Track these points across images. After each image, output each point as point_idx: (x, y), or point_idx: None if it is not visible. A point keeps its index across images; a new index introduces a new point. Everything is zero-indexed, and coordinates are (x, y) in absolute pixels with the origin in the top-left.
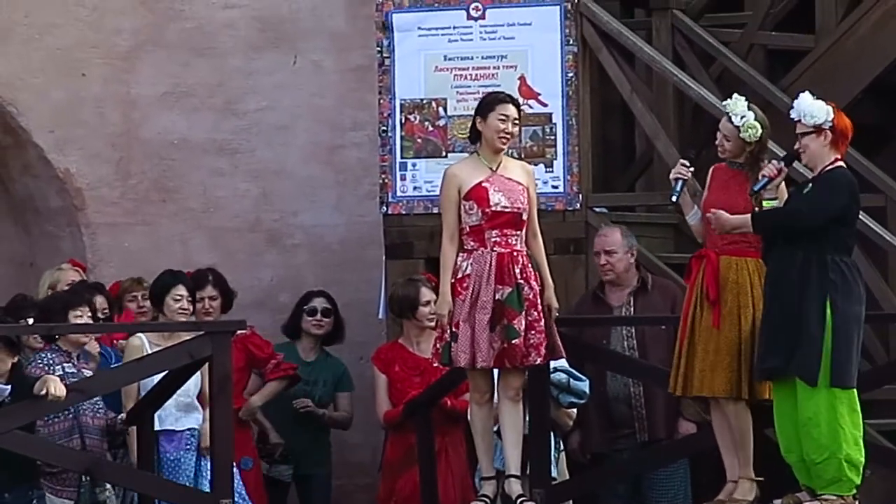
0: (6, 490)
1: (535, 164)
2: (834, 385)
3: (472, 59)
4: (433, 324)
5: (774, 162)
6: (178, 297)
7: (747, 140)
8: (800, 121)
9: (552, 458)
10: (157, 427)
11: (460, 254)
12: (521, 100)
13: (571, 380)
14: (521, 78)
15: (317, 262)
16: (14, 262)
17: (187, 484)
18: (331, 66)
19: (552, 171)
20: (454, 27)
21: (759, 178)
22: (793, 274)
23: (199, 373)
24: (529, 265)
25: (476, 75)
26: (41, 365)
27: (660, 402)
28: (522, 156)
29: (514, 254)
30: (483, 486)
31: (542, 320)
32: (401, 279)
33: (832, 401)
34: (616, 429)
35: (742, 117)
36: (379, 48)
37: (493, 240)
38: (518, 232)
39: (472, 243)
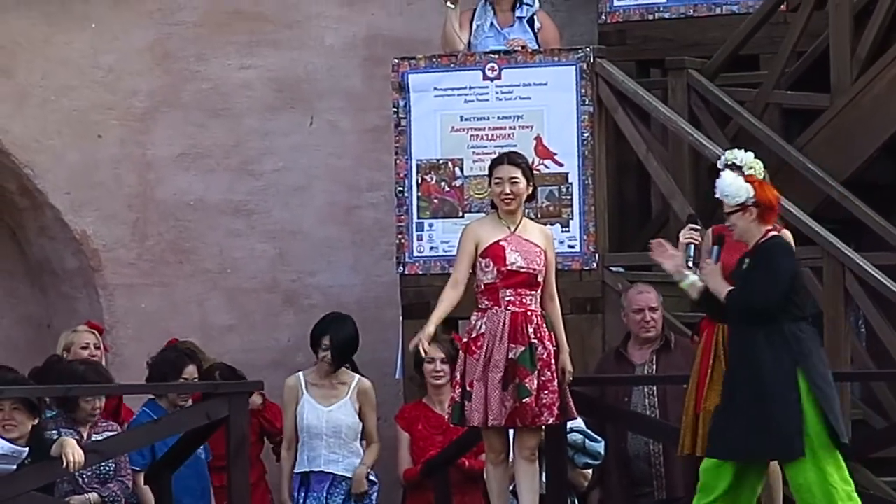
0: None
1: (552, 224)
2: (830, 449)
3: (489, 119)
4: (438, 381)
5: (687, 230)
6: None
7: (755, 176)
8: (724, 200)
9: None
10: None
11: (475, 313)
12: (536, 160)
13: (587, 440)
14: (538, 138)
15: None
16: (31, 323)
17: None
18: (347, 127)
19: (568, 231)
20: (470, 87)
21: (686, 247)
22: (757, 352)
23: (355, 406)
24: (544, 325)
25: (492, 135)
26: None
27: (679, 460)
28: (538, 215)
29: (529, 313)
30: None
31: (556, 380)
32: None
33: (818, 464)
34: (636, 486)
35: (742, 160)
36: (395, 108)
37: (508, 299)
38: (533, 292)
39: (486, 302)
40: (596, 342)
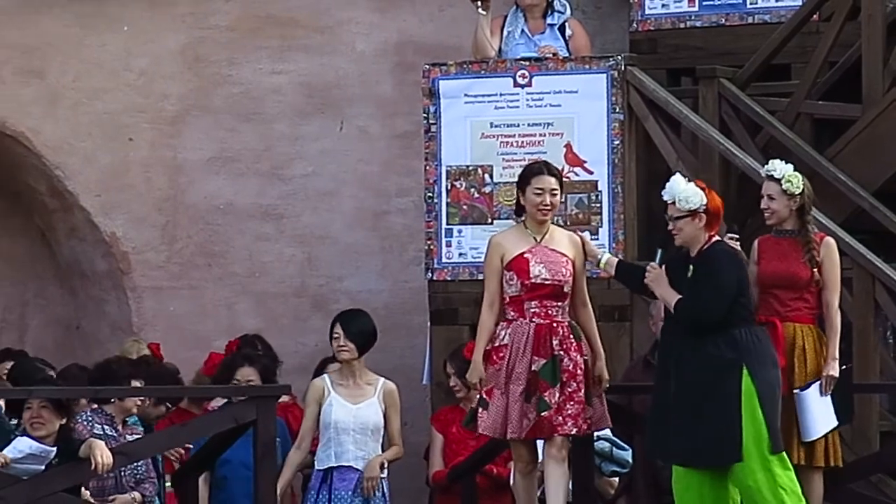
0: None
1: (581, 232)
2: (774, 452)
3: (519, 126)
4: (458, 394)
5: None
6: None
7: (792, 192)
8: (673, 203)
9: None
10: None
11: (500, 323)
12: (566, 167)
13: (614, 448)
14: (568, 145)
15: None
16: (60, 324)
17: None
18: (377, 132)
19: (597, 238)
20: (501, 94)
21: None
22: (704, 355)
23: (380, 406)
24: (571, 336)
25: (522, 142)
26: (82, 422)
27: None
28: (568, 223)
29: (554, 325)
30: None
31: (582, 391)
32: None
33: (766, 465)
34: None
35: (782, 171)
36: (425, 114)
37: (532, 311)
38: (559, 304)
39: (512, 313)
40: (624, 350)
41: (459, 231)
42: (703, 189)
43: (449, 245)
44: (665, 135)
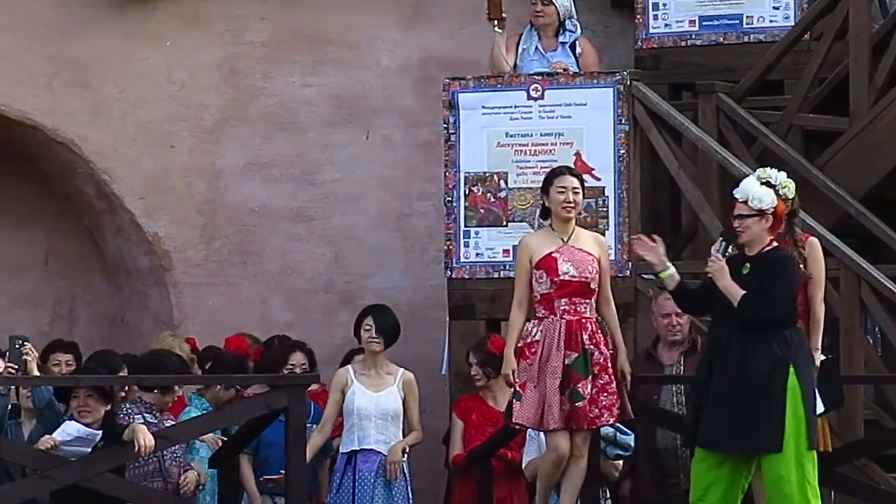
0: None
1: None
2: (809, 449)
3: (532, 136)
4: (479, 383)
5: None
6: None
7: (787, 197)
8: (746, 202)
9: (601, 502)
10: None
11: (532, 320)
12: None
13: (618, 434)
14: (577, 154)
15: None
16: (106, 317)
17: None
18: (400, 141)
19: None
20: (515, 106)
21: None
22: (757, 352)
23: (400, 395)
24: (599, 331)
25: (535, 151)
26: (123, 416)
27: None
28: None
29: (583, 321)
30: None
31: (614, 383)
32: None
33: (801, 460)
34: (664, 478)
35: (776, 178)
36: (445, 125)
37: (563, 308)
38: (587, 300)
39: (542, 311)
40: (628, 344)
41: (476, 233)
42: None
43: (467, 246)
44: (667, 145)
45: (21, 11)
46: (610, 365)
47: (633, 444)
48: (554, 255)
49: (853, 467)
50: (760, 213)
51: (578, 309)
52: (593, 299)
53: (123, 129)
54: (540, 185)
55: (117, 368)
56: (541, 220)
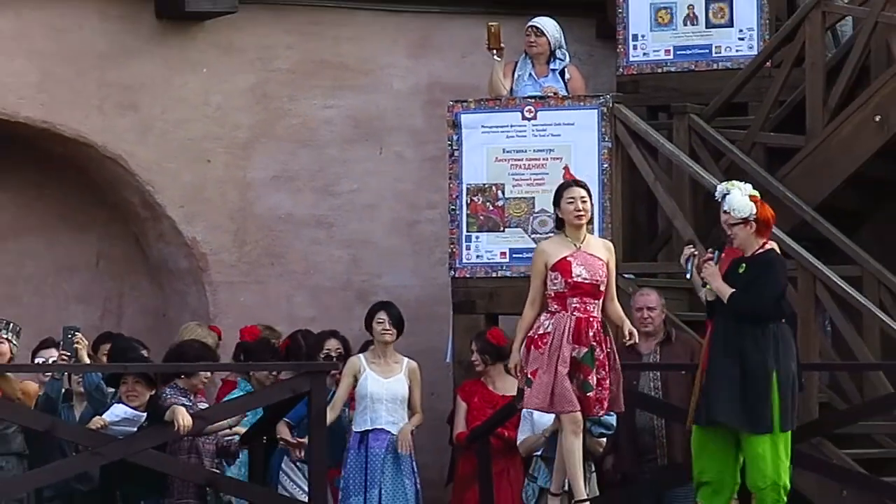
0: (142, 498)
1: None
2: (783, 430)
3: (526, 151)
4: (478, 369)
5: (686, 249)
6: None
7: (758, 196)
8: (729, 213)
9: (587, 477)
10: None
11: (544, 314)
12: None
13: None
14: (566, 168)
15: None
16: (149, 312)
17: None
18: (410, 156)
19: None
20: (511, 126)
21: (686, 260)
22: (742, 341)
23: (406, 380)
24: (601, 331)
25: (528, 165)
26: (165, 397)
27: (678, 432)
28: None
29: (591, 319)
30: (551, 500)
31: (608, 379)
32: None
33: (776, 441)
34: (642, 454)
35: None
36: (449, 142)
37: (574, 306)
38: (595, 301)
39: (555, 306)
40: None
41: (477, 237)
42: (756, 202)
43: (468, 249)
44: (645, 159)
45: (75, 43)
46: (608, 363)
47: (615, 424)
48: (568, 258)
49: (810, 445)
50: (745, 221)
51: (588, 308)
52: (600, 300)
53: (165, 146)
54: (532, 195)
55: (134, 351)
56: (555, 230)
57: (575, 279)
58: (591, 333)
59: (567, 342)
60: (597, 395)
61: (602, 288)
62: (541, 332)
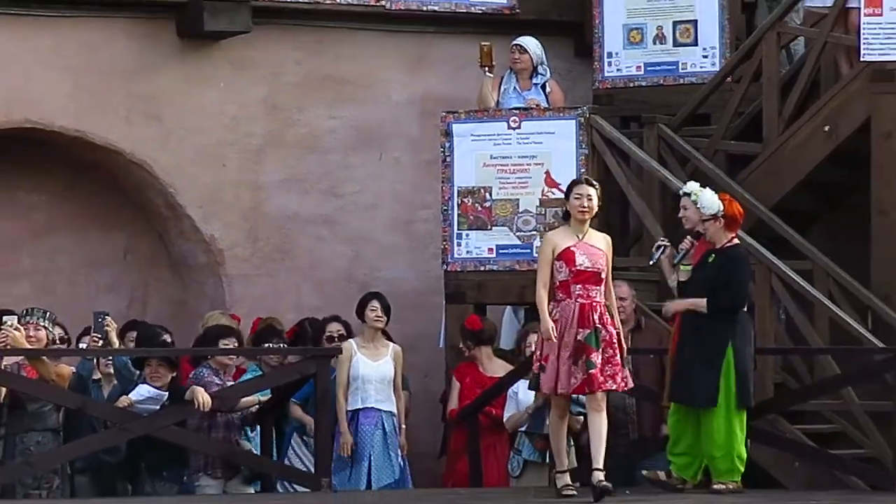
0: (164, 469)
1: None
2: (739, 407)
3: (511, 158)
4: (465, 353)
5: (688, 238)
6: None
7: (702, 206)
8: (701, 210)
9: (567, 451)
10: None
11: (551, 303)
12: (545, 188)
13: (579, 395)
14: (547, 172)
15: (394, 305)
16: (171, 302)
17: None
18: (407, 162)
19: None
20: (498, 134)
21: (678, 251)
22: (705, 327)
23: (393, 363)
24: (606, 313)
25: (513, 170)
26: (200, 374)
27: (647, 411)
28: (546, 228)
29: (594, 304)
30: (559, 477)
31: (617, 356)
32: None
33: (730, 416)
34: (615, 429)
35: (691, 189)
36: (442, 149)
37: (577, 292)
38: (597, 287)
39: (560, 295)
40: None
41: (467, 235)
42: (725, 200)
43: (459, 245)
44: (618, 165)
45: (104, 59)
46: (615, 341)
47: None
48: (572, 248)
49: (766, 421)
50: (714, 217)
51: (590, 294)
52: (602, 287)
53: (185, 152)
54: (517, 197)
55: (159, 336)
56: (562, 220)
57: (578, 267)
58: (595, 316)
59: (570, 328)
60: (604, 372)
61: (602, 276)
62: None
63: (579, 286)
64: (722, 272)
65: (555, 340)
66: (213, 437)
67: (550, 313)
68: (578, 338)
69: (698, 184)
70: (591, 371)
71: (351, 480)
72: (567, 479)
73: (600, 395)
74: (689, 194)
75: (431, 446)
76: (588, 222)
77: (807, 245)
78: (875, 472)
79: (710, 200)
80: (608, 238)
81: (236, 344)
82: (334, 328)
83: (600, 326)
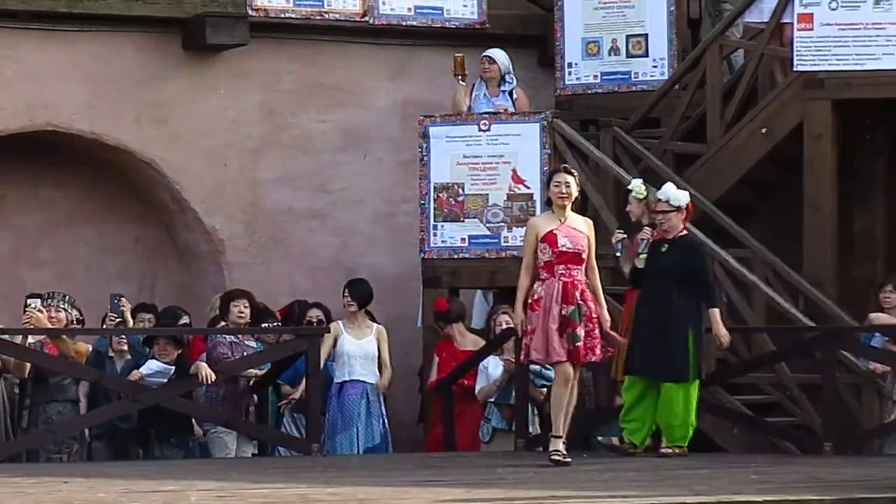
0: (171, 436)
1: (521, 228)
2: (695, 380)
3: (481, 157)
4: (441, 331)
5: (647, 228)
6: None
7: (640, 198)
8: (667, 201)
9: (530, 419)
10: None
11: (537, 282)
12: (512, 184)
13: (542, 369)
14: (514, 170)
15: (378, 289)
16: (178, 286)
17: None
18: (389, 161)
19: None
20: (469, 136)
21: (639, 240)
22: (671, 309)
23: (376, 342)
24: (587, 291)
25: (484, 167)
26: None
27: (603, 383)
28: (511, 220)
29: (575, 282)
30: (553, 441)
31: (597, 330)
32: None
33: (689, 388)
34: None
35: (636, 187)
36: (420, 149)
37: (560, 272)
38: (579, 266)
39: (544, 274)
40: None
41: (442, 226)
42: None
43: (435, 235)
44: (578, 164)
45: (116, 69)
46: (595, 317)
47: (553, 377)
48: (555, 231)
49: (708, 392)
50: (678, 209)
51: (572, 273)
52: (583, 266)
53: (190, 153)
54: (487, 192)
55: (179, 317)
56: (547, 207)
57: (560, 248)
58: (577, 294)
59: (556, 303)
60: (586, 345)
61: (583, 256)
62: (535, 297)
63: (562, 266)
64: (689, 261)
65: (528, 328)
66: (228, 403)
67: (535, 291)
68: (563, 313)
69: (641, 181)
70: (577, 344)
71: (342, 446)
72: (560, 444)
73: (568, 369)
74: (631, 191)
75: (410, 415)
76: (568, 207)
77: (746, 235)
78: (805, 438)
79: (678, 193)
80: (590, 221)
81: (247, 305)
82: (314, 314)
83: (582, 303)
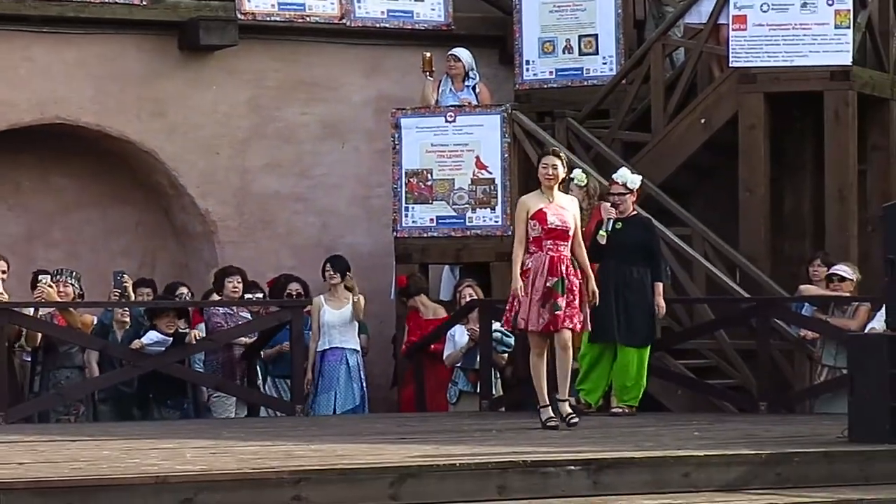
0: (168, 398)
1: (483, 209)
2: (651, 344)
3: (448, 146)
4: (407, 304)
5: (611, 208)
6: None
7: (581, 185)
8: (624, 184)
9: (493, 382)
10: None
11: (526, 254)
12: (475, 170)
13: (504, 336)
14: (477, 157)
15: (355, 266)
16: (175, 264)
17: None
18: (365, 150)
19: (495, 213)
20: (437, 127)
21: (605, 219)
22: (634, 280)
23: (352, 311)
24: (571, 265)
25: (450, 155)
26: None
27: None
28: (475, 202)
29: (561, 257)
30: (542, 411)
31: (577, 300)
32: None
33: (643, 352)
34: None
35: (577, 175)
36: (393, 139)
37: (548, 247)
38: (565, 242)
39: (533, 248)
40: (506, 283)
41: (413, 208)
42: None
43: (406, 216)
44: (535, 151)
45: (119, 67)
46: (576, 290)
47: (513, 344)
48: (544, 209)
49: (654, 357)
50: (631, 191)
51: (559, 248)
52: (569, 242)
53: (186, 143)
54: (453, 177)
55: (176, 290)
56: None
57: (549, 226)
58: (562, 268)
59: (541, 276)
60: (566, 314)
61: (570, 233)
62: (524, 268)
63: (550, 241)
64: (645, 237)
65: (522, 295)
66: (224, 369)
67: (524, 264)
68: (548, 284)
69: (581, 170)
70: (557, 313)
71: (321, 407)
72: (549, 412)
73: (567, 335)
74: (573, 179)
75: (385, 379)
76: (555, 188)
77: (687, 215)
78: (742, 399)
79: (633, 177)
80: (575, 200)
81: (240, 280)
82: (293, 287)
83: (566, 277)
